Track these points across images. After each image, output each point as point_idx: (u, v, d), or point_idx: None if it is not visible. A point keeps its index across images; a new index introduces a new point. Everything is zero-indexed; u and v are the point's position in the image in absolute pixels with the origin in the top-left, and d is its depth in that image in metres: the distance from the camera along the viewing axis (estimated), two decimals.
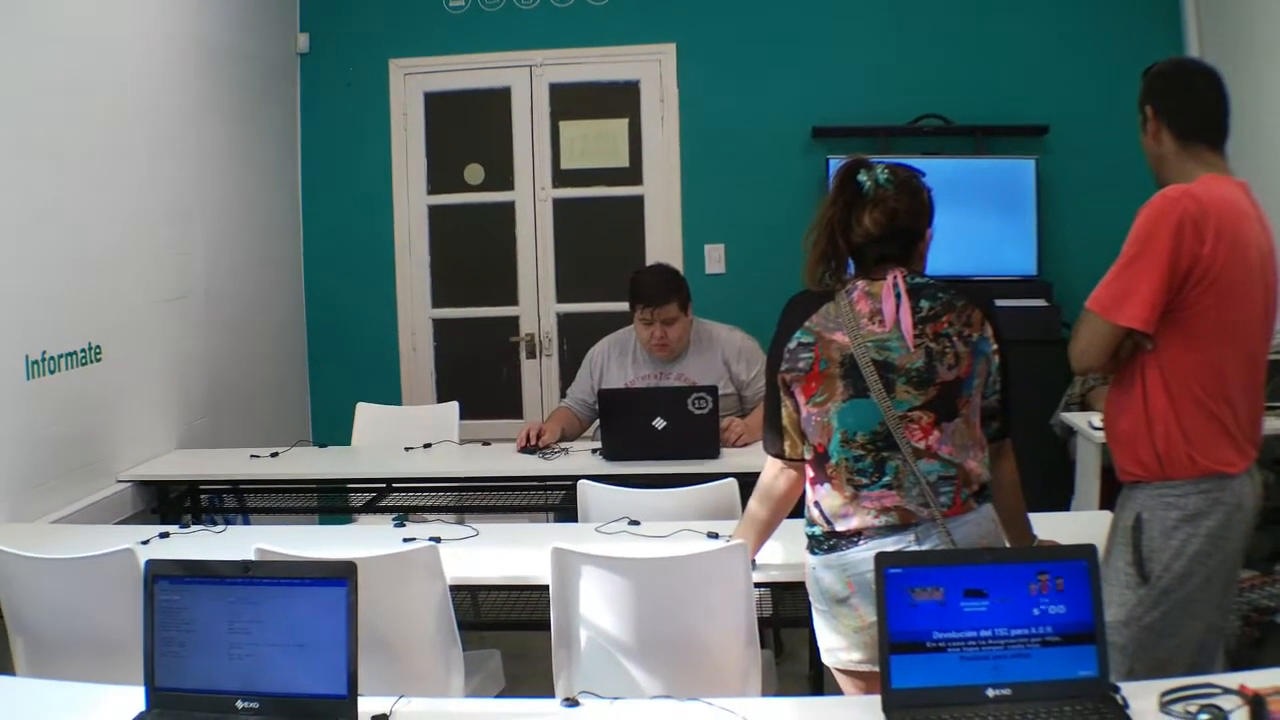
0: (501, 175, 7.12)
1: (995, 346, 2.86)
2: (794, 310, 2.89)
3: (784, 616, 4.01)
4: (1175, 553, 2.93)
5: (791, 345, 2.85)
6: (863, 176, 2.82)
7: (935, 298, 2.81)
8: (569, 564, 3.18)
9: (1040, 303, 6.32)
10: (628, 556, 3.21)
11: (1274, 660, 4.52)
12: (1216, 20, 6.73)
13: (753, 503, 3.16)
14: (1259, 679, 2.35)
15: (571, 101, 7.10)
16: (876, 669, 2.41)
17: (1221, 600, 3.07)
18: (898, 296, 2.77)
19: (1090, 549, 2.34)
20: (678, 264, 6.23)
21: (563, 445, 4.99)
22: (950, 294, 2.83)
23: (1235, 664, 4.13)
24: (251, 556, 3.09)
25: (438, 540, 3.61)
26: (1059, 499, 5.20)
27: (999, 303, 2.86)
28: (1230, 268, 2.89)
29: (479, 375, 7.24)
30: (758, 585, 3.30)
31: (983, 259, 6.53)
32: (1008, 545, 2.99)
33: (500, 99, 7.09)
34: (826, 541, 2.83)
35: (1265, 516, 4.34)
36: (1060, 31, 6.86)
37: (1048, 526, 3.16)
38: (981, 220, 6.60)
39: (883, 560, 2.31)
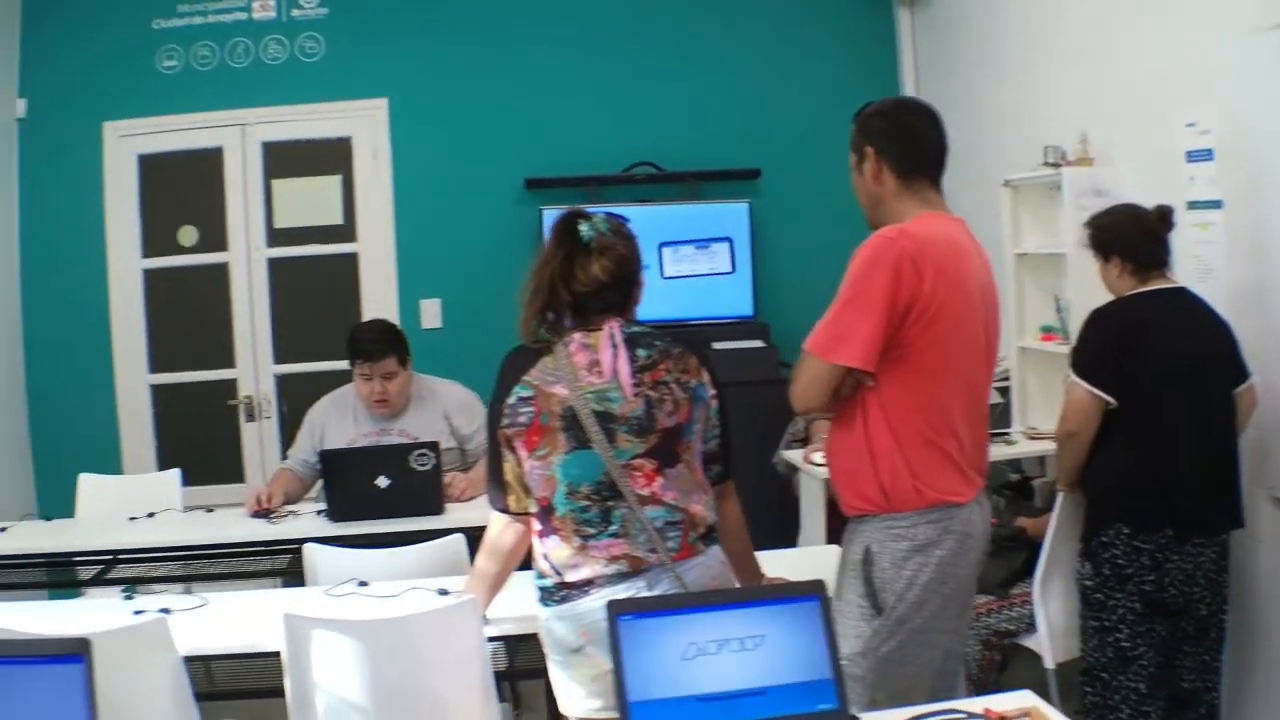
0: (215, 236, 6.98)
1: (713, 392, 2.95)
2: (511, 365, 2.90)
3: (520, 668, 3.94)
4: (908, 583, 2.95)
5: (511, 400, 2.86)
6: (583, 226, 2.86)
7: (652, 346, 2.88)
8: (301, 629, 3.12)
9: (758, 343, 6.50)
10: (359, 619, 3.19)
11: (1018, 683, 4.76)
12: (931, 67, 7.07)
13: (480, 558, 3.17)
14: (1002, 702, 2.43)
15: (284, 159, 7.02)
16: (616, 715, 2.38)
17: (957, 626, 3.13)
18: (614, 346, 2.83)
19: (819, 584, 2.38)
20: (394, 320, 6.18)
21: (289, 508, 4.85)
22: (666, 342, 2.90)
23: (979, 688, 4.28)
24: None
25: (167, 611, 3.51)
26: (786, 536, 5.34)
27: (717, 345, 2.89)
28: (950, 304, 2.92)
29: (199, 440, 7.03)
30: (491, 639, 3.29)
31: (701, 303, 6.72)
32: (738, 585, 3.05)
33: (213, 159, 6.95)
34: (558, 593, 2.85)
35: (999, 543, 4.51)
36: (771, 76, 7.12)
37: (777, 563, 3.24)
38: (698, 265, 6.80)
39: (615, 608, 2.31)
